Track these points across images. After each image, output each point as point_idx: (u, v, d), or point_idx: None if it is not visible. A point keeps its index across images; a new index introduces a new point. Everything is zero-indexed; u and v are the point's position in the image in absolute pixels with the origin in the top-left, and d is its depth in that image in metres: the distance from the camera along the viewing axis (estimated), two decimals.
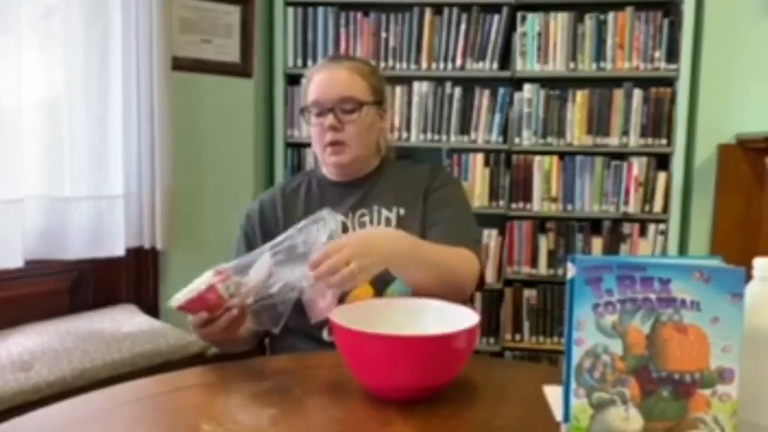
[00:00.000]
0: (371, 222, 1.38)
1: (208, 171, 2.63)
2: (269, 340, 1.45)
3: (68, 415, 0.94)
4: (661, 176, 2.68)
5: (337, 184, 1.45)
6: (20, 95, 1.93)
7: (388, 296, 1.29)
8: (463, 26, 2.75)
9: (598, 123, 2.71)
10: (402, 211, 1.39)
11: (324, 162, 1.44)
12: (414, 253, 1.18)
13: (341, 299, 1.26)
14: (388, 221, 1.38)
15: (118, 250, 2.19)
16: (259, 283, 1.04)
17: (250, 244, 1.43)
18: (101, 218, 2.16)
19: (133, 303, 2.30)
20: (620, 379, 0.73)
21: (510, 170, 2.77)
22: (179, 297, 1.03)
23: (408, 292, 1.30)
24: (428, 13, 2.77)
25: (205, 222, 2.58)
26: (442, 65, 2.78)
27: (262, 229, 1.43)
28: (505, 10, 2.72)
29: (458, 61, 2.76)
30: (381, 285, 1.30)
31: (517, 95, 2.75)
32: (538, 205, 2.75)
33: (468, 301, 1.36)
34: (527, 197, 2.76)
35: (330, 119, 1.37)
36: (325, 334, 1.30)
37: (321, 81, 1.40)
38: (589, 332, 0.73)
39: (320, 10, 2.83)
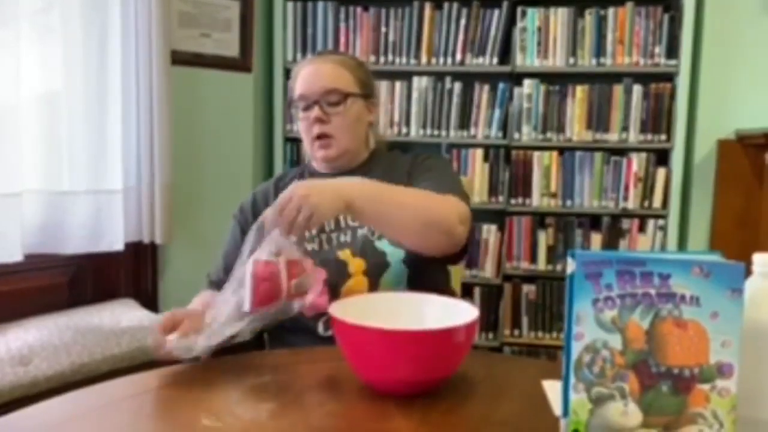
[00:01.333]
0: None
1: (207, 165, 2.63)
2: (268, 336, 1.45)
3: (67, 409, 0.94)
4: (661, 172, 2.68)
5: (328, 176, 1.45)
6: (19, 89, 1.93)
7: (382, 287, 1.29)
8: (462, 21, 2.74)
9: (597, 118, 2.70)
10: None
11: (313, 156, 1.44)
12: (380, 194, 1.17)
13: (336, 293, 1.26)
14: None
15: (117, 244, 2.19)
16: None
17: (244, 232, 1.43)
18: (100, 213, 2.15)
19: (132, 297, 2.30)
20: (619, 374, 0.73)
21: (509, 165, 2.76)
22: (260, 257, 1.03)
23: (402, 284, 1.30)
24: (428, 8, 2.76)
25: (204, 216, 2.58)
26: (441, 60, 2.77)
27: (255, 218, 1.43)
28: (505, 4, 2.71)
29: (458, 56, 2.76)
30: (375, 275, 1.30)
31: (516, 90, 2.74)
32: (537, 200, 2.75)
33: (460, 249, 1.32)
34: (526, 193, 2.76)
35: (315, 111, 1.37)
36: (320, 329, 1.30)
37: (306, 75, 1.40)
38: (589, 327, 0.73)
39: (320, 4, 2.82)
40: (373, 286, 1.29)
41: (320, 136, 1.38)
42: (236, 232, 1.45)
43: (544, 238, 2.77)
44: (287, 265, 1.02)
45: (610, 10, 2.67)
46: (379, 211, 1.17)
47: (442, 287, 1.38)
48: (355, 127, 1.42)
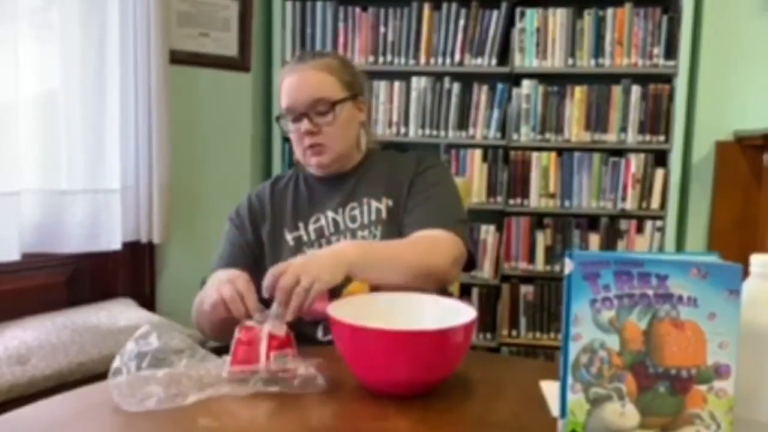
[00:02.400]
0: (361, 214, 1.37)
1: (206, 165, 2.63)
2: None
3: (64, 408, 0.94)
4: (659, 173, 2.69)
5: (324, 180, 1.44)
6: (17, 88, 1.92)
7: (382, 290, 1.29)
8: (461, 21, 2.74)
9: (596, 119, 2.71)
10: (390, 203, 1.38)
11: (306, 164, 1.43)
12: (377, 255, 1.19)
13: (336, 295, 1.26)
14: (378, 212, 1.37)
15: (115, 244, 2.19)
16: None
17: (241, 233, 1.43)
18: (98, 212, 2.15)
19: (129, 297, 2.29)
20: (617, 374, 0.73)
21: (508, 166, 2.77)
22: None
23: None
24: (427, 8, 2.77)
25: (202, 216, 2.58)
26: (440, 60, 2.77)
27: (251, 222, 1.43)
28: (503, 5, 2.71)
29: (457, 57, 2.76)
30: None
31: (515, 91, 2.74)
32: (535, 201, 2.75)
33: (449, 287, 1.35)
34: (525, 193, 2.76)
35: (305, 124, 1.35)
36: (320, 334, 1.30)
37: (290, 86, 1.37)
38: (587, 328, 0.73)
39: (318, 4, 2.82)
40: (374, 290, 1.29)
41: (312, 145, 1.37)
42: (232, 234, 1.44)
43: (542, 239, 2.77)
44: (269, 336, 1.01)
45: (609, 11, 2.67)
46: (377, 271, 1.19)
47: (442, 289, 1.38)
48: (346, 132, 1.40)
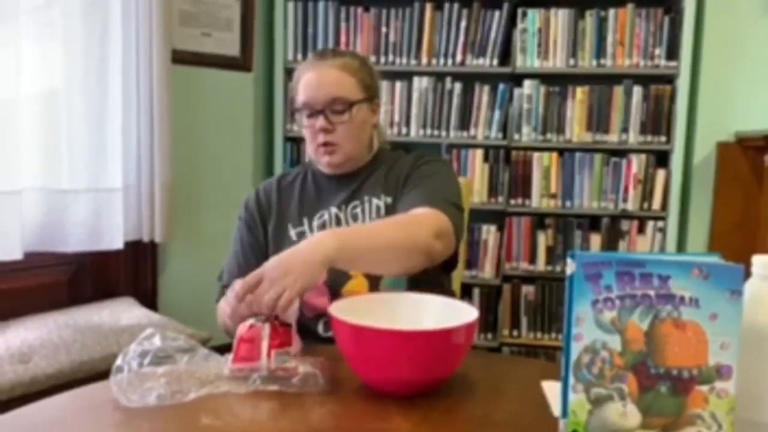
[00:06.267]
0: (363, 212, 1.38)
1: (207, 164, 2.63)
2: None
3: (66, 407, 0.94)
4: (660, 174, 2.69)
5: (332, 177, 1.45)
6: (19, 86, 1.92)
7: (382, 287, 1.29)
8: (463, 22, 2.74)
9: (597, 120, 2.71)
10: (389, 200, 1.39)
11: (317, 161, 1.44)
12: (355, 241, 1.16)
13: (336, 294, 1.26)
14: (378, 210, 1.38)
15: (117, 243, 2.19)
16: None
17: (252, 231, 1.43)
18: (100, 211, 2.15)
19: (131, 296, 2.30)
20: (618, 374, 0.73)
21: (509, 166, 2.77)
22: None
23: (402, 285, 1.30)
24: (429, 9, 2.77)
25: (203, 215, 2.58)
26: (442, 61, 2.77)
27: (260, 215, 1.44)
28: (505, 6, 2.71)
29: (458, 57, 2.76)
30: (375, 275, 1.30)
31: (517, 91, 2.74)
32: (537, 201, 2.75)
33: (436, 261, 1.31)
34: (526, 193, 2.76)
35: (320, 121, 1.35)
36: (321, 330, 1.30)
37: (309, 81, 1.38)
38: (588, 328, 0.73)
39: (320, 4, 2.82)
40: (374, 287, 1.29)
41: (325, 144, 1.37)
42: (243, 231, 1.44)
43: (543, 239, 2.77)
44: (271, 332, 1.01)
45: (611, 12, 2.67)
46: (359, 253, 1.16)
47: (441, 288, 1.38)
48: (359, 133, 1.41)
